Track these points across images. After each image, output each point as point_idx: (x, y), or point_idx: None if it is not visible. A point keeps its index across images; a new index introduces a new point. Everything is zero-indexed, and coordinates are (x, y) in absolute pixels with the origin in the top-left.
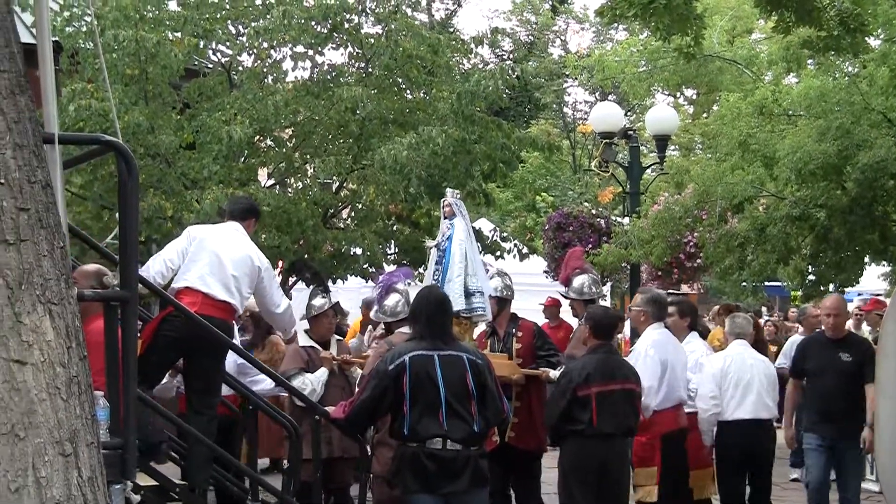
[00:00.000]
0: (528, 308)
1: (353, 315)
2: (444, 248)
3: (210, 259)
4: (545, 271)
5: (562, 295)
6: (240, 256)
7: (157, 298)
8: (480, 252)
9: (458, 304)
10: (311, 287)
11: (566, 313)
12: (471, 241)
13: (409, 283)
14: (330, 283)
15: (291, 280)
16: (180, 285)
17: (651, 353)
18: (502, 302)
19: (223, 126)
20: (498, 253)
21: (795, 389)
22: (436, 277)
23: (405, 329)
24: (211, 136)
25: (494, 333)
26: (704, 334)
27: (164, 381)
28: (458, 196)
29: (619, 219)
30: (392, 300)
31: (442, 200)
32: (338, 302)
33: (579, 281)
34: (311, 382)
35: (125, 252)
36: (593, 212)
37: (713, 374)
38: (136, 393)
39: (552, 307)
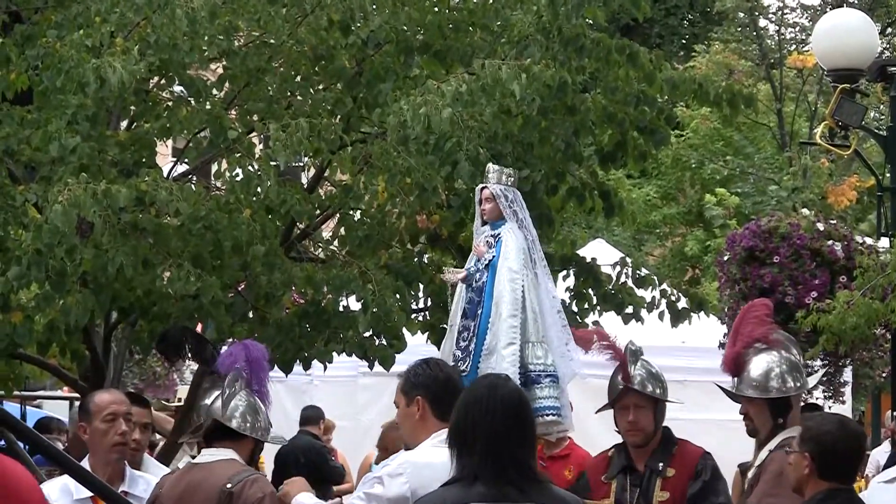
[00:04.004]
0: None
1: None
2: (481, 287)
3: None
4: (723, 344)
5: (725, 391)
6: None
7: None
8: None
9: None
10: None
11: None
12: (536, 273)
13: (240, 374)
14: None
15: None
16: None
17: None
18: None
19: (89, 58)
20: (629, 309)
21: None
22: (462, 346)
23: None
24: (65, 77)
25: (629, 469)
26: None
27: None
28: (512, 179)
29: (868, 239)
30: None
31: (478, 188)
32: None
33: (761, 364)
34: None
35: None
36: (819, 226)
37: None
38: None
39: None
